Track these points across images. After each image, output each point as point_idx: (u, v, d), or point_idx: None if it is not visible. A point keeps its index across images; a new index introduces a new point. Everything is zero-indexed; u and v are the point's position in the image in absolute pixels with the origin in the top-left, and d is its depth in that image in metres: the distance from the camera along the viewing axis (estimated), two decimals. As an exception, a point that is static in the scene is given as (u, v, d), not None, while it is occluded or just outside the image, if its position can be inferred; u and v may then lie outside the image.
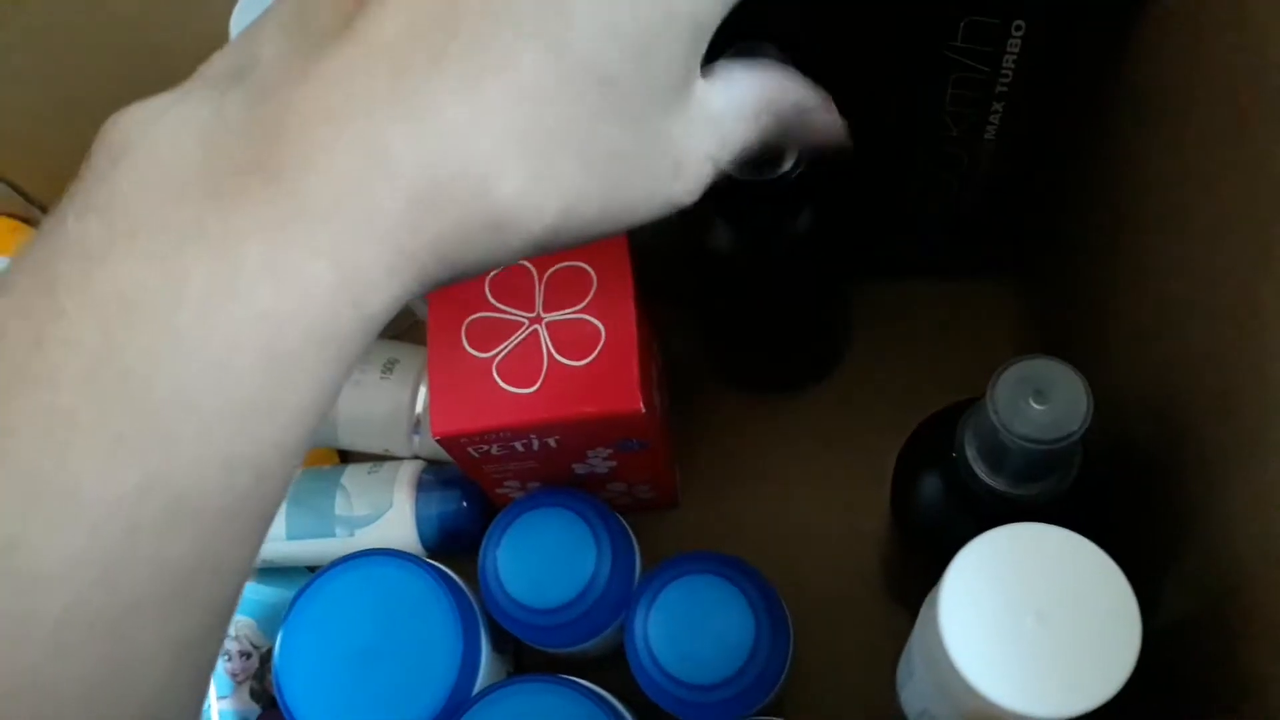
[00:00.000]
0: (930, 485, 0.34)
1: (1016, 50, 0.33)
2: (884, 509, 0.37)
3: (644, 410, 0.36)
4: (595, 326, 0.36)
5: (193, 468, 0.18)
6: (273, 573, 0.46)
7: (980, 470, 0.30)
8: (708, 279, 0.41)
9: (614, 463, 0.40)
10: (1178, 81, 0.30)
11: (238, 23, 0.41)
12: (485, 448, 0.38)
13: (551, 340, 0.37)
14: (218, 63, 0.21)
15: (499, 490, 0.43)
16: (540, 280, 0.37)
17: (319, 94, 0.19)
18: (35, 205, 0.53)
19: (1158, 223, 0.32)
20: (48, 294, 0.18)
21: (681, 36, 0.21)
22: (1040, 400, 0.28)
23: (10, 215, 0.53)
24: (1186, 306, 0.30)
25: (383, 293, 0.19)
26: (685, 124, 0.22)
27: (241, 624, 0.44)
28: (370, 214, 0.19)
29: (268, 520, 0.20)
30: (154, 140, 0.19)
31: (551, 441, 0.37)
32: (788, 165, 0.34)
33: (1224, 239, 0.27)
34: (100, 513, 0.17)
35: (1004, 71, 0.34)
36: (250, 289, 0.18)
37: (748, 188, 0.34)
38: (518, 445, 0.38)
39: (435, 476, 0.45)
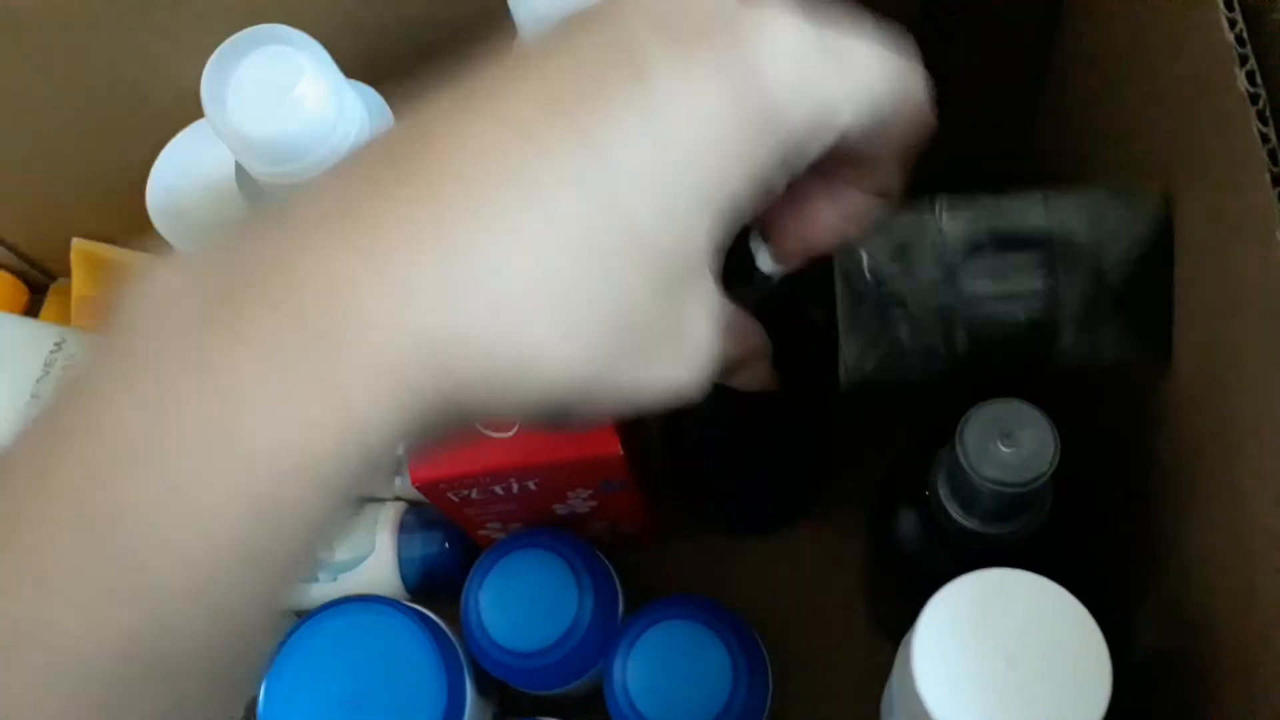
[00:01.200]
0: (906, 522, 0.34)
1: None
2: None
3: (622, 453, 0.36)
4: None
5: (177, 623, 0.17)
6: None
7: (953, 510, 0.31)
8: (678, 444, 0.40)
9: (595, 503, 0.40)
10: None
11: (157, 176, 0.41)
12: (465, 492, 0.38)
13: (529, 386, 0.37)
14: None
15: (481, 531, 0.43)
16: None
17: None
18: (29, 262, 0.54)
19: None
20: (50, 435, 0.17)
21: (714, 210, 0.20)
22: (1008, 443, 0.28)
23: (5, 269, 0.53)
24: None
25: (385, 433, 0.18)
26: (700, 306, 0.21)
27: (226, 671, 0.44)
28: (383, 350, 0.17)
29: (249, 678, 0.19)
30: (167, 275, 0.18)
31: (531, 484, 0.37)
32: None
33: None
34: (77, 670, 0.16)
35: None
36: (249, 430, 0.17)
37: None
38: (497, 489, 0.38)
39: (417, 518, 0.45)
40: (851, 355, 0.28)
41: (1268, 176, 0.22)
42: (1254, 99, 0.22)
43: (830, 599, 0.44)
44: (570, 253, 0.18)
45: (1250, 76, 0.22)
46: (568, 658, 0.39)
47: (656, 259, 0.19)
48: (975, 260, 0.28)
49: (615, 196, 0.19)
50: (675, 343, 0.21)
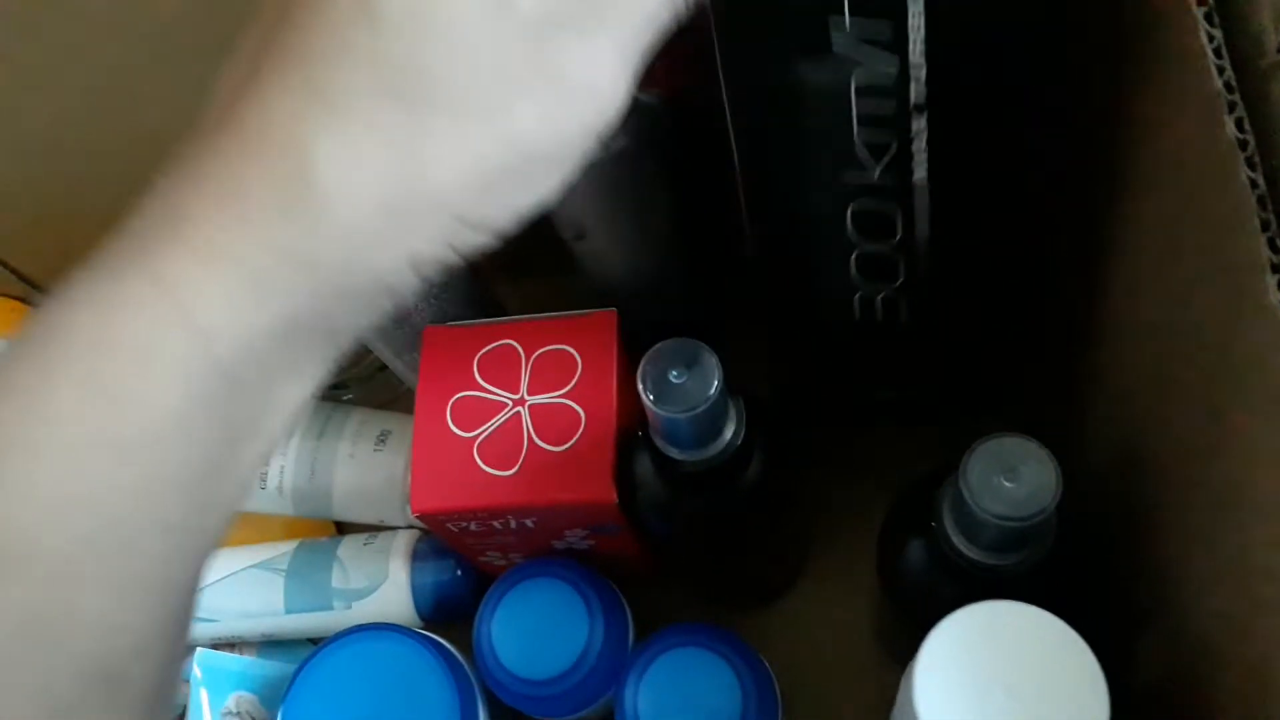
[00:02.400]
0: (913, 551, 0.35)
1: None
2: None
3: (616, 500, 0.36)
4: (576, 412, 0.37)
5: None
6: (273, 646, 0.47)
7: (958, 541, 0.31)
8: (665, 536, 0.39)
9: (592, 541, 0.41)
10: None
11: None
12: (464, 524, 0.38)
13: (533, 424, 0.37)
14: None
15: (481, 559, 0.43)
16: (527, 361, 0.38)
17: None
18: (30, 284, 0.54)
19: (1129, 286, 0.33)
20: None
21: None
22: (1011, 478, 0.28)
23: (6, 295, 0.54)
24: (1159, 368, 0.30)
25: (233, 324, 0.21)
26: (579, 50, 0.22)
27: (244, 699, 0.44)
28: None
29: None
30: None
31: (529, 522, 0.38)
32: (729, 434, 0.33)
33: (1195, 298, 0.28)
34: None
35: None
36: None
37: (694, 468, 0.33)
38: (495, 524, 0.38)
39: (429, 546, 0.46)
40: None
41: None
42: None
43: (839, 625, 0.44)
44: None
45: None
46: (580, 685, 0.39)
47: None
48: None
49: None
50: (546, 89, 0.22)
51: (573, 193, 0.24)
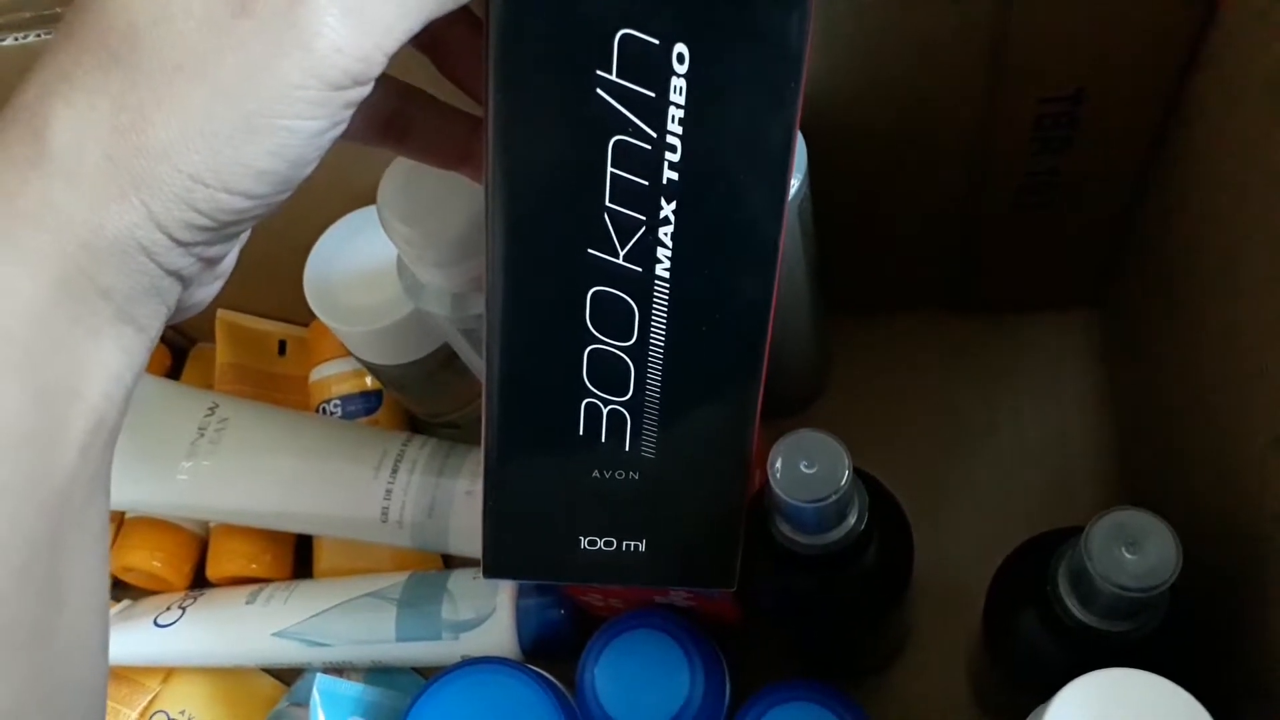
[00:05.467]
0: (1022, 612, 0.36)
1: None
2: (974, 621, 0.39)
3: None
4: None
5: None
6: (380, 675, 0.49)
7: (1072, 606, 0.32)
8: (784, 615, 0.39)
9: (693, 602, 0.42)
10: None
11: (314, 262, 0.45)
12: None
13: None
14: None
15: (582, 597, 0.45)
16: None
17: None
18: (173, 328, 0.57)
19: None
20: None
21: None
22: (1133, 550, 0.29)
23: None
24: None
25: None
26: None
27: (353, 727, 0.46)
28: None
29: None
30: None
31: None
32: (852, 520, 0.34)
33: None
34: None
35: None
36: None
37: (813, 551, 0.34)
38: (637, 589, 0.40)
39: (534, 584, 0.48)
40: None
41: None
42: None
43: (938, 680, 0.45)
44: None
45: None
46: (679, 736, 0.40)
47: None
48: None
49: None
50: None
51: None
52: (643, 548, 0.32)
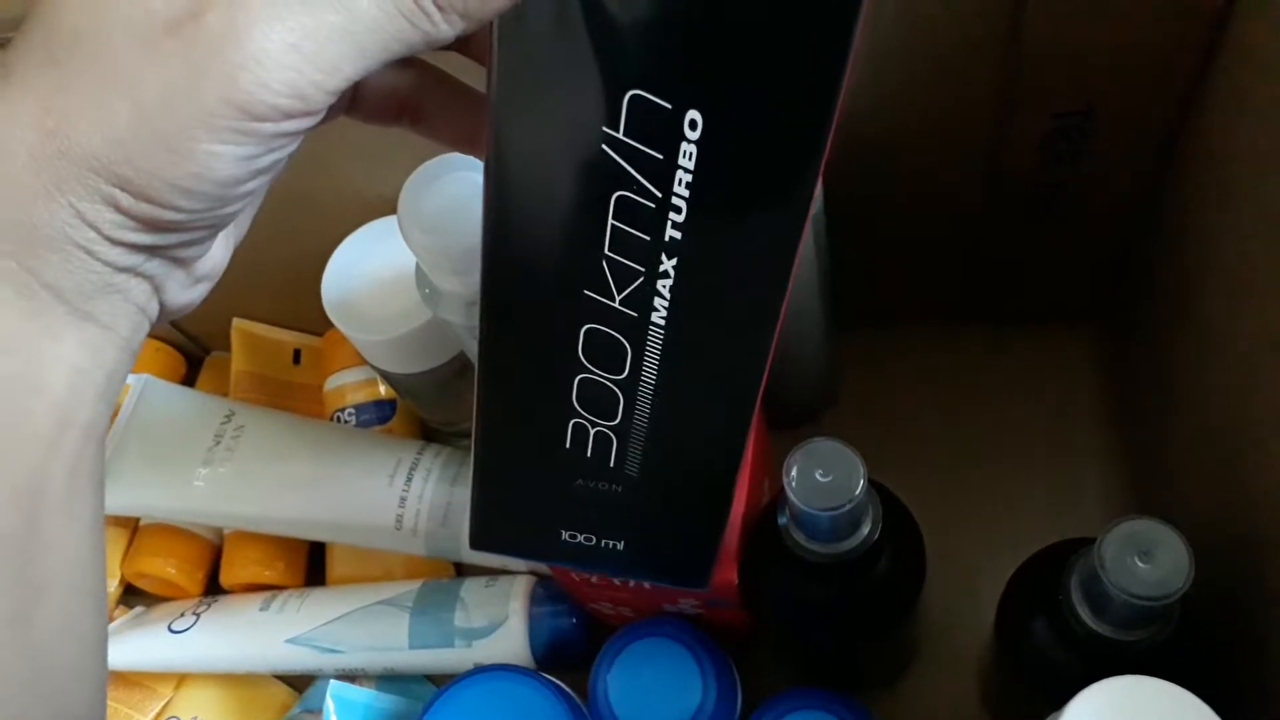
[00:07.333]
0: (1035, 622, 0.36)
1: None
2: (984, 631, 0.39)
3: (737, 581, 0.38)
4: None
5: None
6: (392, 682, 0.49)
7: (1085, 615, 0.32)
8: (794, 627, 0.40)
9: (701, 610, 0.42)
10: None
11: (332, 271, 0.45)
12: (588, 575, 0.40)
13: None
14: None
15: (592, 606, 0.45)
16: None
17: None
18: (189, 337, 0.58)
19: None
20: None
21: None
22: (1145, 560, 0.30)
23: (166, 342, 0.57)
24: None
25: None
26: None
27: (364, 733, 0.47)
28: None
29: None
30: None
31: (646, 584, 0.40)
32: (865, 529, 0.35)
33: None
34: None
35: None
36: None
37: (826, 559, 0.34)
38: (617, 580, 0.40)
39: (546, 592, 0.48)
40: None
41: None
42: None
43: (949, 690, 0.45)
44: None
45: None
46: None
47: None
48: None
49: None
50: None
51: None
52: (621, 547, 0.33)
